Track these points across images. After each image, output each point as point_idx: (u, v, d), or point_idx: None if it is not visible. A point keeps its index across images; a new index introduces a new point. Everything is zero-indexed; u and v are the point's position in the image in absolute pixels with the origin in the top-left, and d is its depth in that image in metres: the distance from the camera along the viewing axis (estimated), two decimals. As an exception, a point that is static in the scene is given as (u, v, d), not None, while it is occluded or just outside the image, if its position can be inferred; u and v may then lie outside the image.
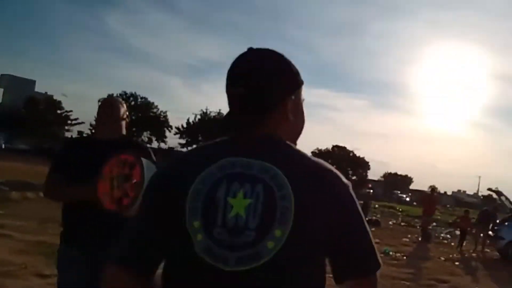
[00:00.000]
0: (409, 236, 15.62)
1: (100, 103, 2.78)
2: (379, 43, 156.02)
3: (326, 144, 71.04)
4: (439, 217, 22.19)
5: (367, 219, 1.33)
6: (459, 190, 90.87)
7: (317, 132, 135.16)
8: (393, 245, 12.47)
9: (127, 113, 2.81)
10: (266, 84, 1.08)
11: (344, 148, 65.43)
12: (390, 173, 75.29)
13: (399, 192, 59.59)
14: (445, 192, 77.83)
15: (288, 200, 0.98)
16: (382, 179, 74.15)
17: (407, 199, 51.81)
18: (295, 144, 1.16)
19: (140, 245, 1.06)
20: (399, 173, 76.59)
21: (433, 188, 16.44)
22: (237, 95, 1.09)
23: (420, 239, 14.89)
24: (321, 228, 1.01)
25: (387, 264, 9.43)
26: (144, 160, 2.33)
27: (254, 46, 1.14)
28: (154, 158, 2.68)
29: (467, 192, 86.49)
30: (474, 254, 12.85)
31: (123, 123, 2.75)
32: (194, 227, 0.99)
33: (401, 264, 9.61)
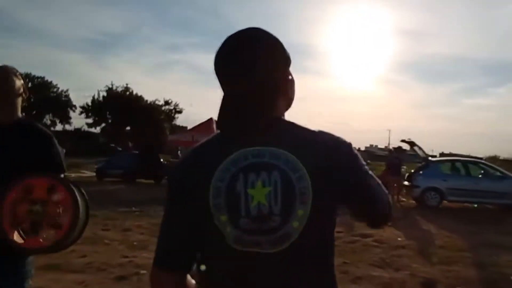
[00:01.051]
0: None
1: None
2: (285, 5, 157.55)
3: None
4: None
5: None
6: (371, 145, 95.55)
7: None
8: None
9: (23, 87, 2.12)
10: (273, 69, 1.12)
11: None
12: (307, 135, 77.36)
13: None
14: (359, 148, 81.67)
15: (305, 180, 1.05)
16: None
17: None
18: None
19: (173, 246, 1.13)
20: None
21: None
22: (244, 85, 1.10)
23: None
24: (337, 194, 1.09)
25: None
26: (69, 182, 1.90)
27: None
28: (58, 146, 2.15)
29: (379, 146, 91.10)
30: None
31: (19, 100, 2.09)
32: (221, 221, 1.06)
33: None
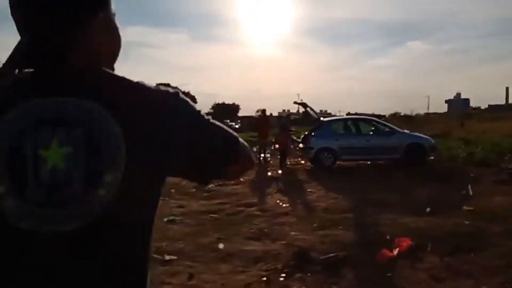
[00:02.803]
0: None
1: None
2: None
3: (147, 83, 68.48)
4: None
5: None
6: (283, 110, 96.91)
7: (138, 72, 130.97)
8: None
9: None
10: (77, 9, 0.91)
11: (168, 85, 63.54)
12: (218, 104, 76.37)
13: (228, 121, 60.77)
14: (271, 113, 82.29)
15: (117, 140, 0.83)
16: (212, 110, 75.07)
17: (237, 126, 53.19)
18: (113, 68, 1.00)
19: None
20: (226, 102, 78.26)
21: (263, 110, 15.76)
22: (45, 27, 0.89)
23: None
24: (163, 157, 0.88)
25: (197, 198, 8.65)
26: None
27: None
28: None
29: (291, 111, 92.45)
30: (281, 169, 12.83)
31: None
32: None
33: (213, 196, 8.85)
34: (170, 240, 5.71)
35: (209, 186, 9.90)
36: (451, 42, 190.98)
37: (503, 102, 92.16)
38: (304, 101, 13.19)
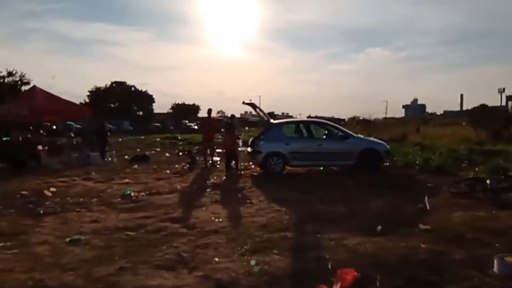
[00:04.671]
0: (176, 166, 14.01)
1: None
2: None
3: (106, 81, 65.92)
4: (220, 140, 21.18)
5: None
6: (245, 112, 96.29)
7: (98, 69, 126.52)
8: (146, 182, 10.54)
9: None
10: None
11: (124, 83, 61.57)
12: (178, 104, 74.55)
13: (187, 121, 59.10)
14: (232, 115, 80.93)
15: None
16: (171, 111, 73.19)
17: (195, 127, 51.76)
18: None
19: None
20: (187, 103, 76.49)
21: (208, 110, 14.62)
22: None
23: (186, 167, 13.43)
24: None
25: (118, 211, 7.42)
26: None
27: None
28: None
29: (253, 113, 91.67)
30: (226, 175, 11.77)
31: None
32: None
33: (138, 208, 7.63)
34: (58, 270, 4.49)
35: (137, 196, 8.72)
36: (409, 49, 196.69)
37: (458, 108, 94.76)
38: (253, 101, 12.10)
